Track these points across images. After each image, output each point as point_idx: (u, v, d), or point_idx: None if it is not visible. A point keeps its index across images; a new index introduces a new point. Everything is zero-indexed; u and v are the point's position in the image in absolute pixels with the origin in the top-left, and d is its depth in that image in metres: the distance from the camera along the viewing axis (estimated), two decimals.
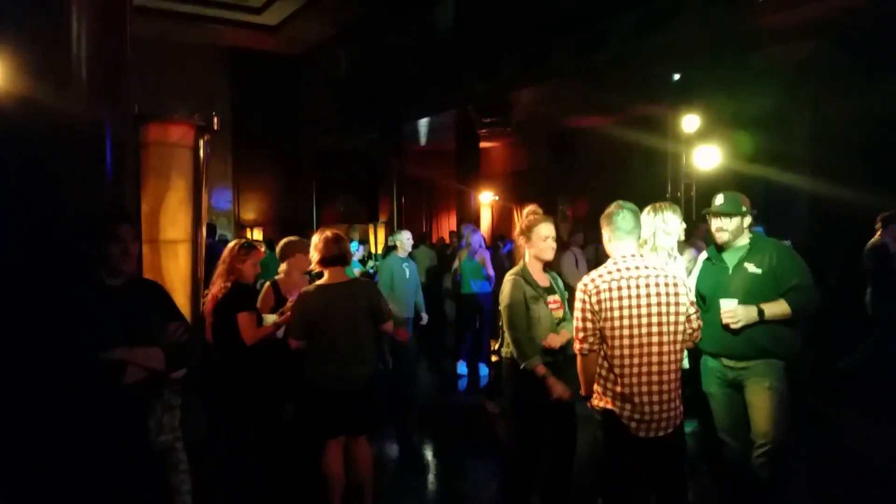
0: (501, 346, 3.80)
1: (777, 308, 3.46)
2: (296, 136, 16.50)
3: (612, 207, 3.08)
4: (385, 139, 14.68)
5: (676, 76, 8.46)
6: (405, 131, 14.81)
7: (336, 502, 3.85)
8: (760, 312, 3.44)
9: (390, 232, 13.80)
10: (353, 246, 10.00)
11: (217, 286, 4.07)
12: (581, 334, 2.98)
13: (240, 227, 15.84)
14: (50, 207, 3.15)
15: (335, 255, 3.86)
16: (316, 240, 3.92)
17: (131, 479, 2.58)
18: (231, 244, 4.22)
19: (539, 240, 3.66)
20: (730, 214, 3.60)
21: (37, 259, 3.07)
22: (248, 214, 16.30)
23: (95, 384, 2.38)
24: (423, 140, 16.22)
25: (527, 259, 3.74)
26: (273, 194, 16.57)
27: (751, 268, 3.54)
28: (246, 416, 4.16)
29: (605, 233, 3.07)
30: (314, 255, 3.91)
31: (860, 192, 7.33)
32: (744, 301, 3.50)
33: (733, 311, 3.45)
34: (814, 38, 8.14)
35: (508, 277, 3.70)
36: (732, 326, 3.46)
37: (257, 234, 15.19)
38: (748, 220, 3.64)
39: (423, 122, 14.45)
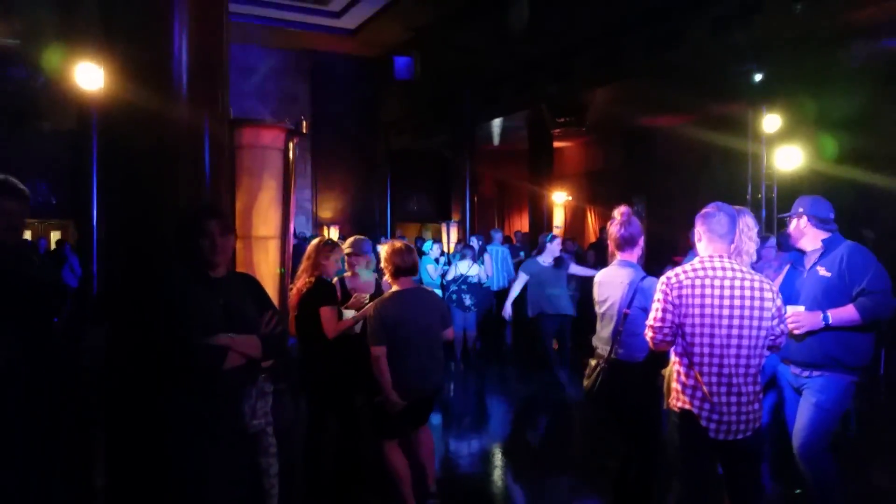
0: (614, 350, 3.70)
1: (844, 314, 3.33)
2: (371, 136, 16.85)
3: (710, 208, 3.07)
4: (458, 139, 14.82)
5: (758, 76, 8.23)
6: (478, 131, 14.91)
7: (407, 491, 4.01)
8: (825, 318, 3.35)
9: (463, 231, 13.94)
10: (427, 245, 10.16)
11: (302, 281, 4.28)
12: (658, 324, 2.98)
13: (317, 225, 16.29)
14: (155, 204, 3.40)
15: (409, 267, 3.96)
16: (385, 251, 4.00)
17: (227, 459, 2.77)
18: (315, 241, 4.42)
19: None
20: (789, 217, 3.63)
21: (142, 252, 3.33)
22: (326, 213, 16.75)
23: (199, 367, 2.57)
24: (495, 140, 16.28)
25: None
26: (349, 193, 16.98)
27: (821, 271, 3.46)
28: (325, 405, 4.35)
29: (699, 231, 3.08)
30: (386, 267, 4.00)
31: None
32: (812, 306, 3.41)
33: (796, 317, 3.38)
34: None
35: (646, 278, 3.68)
36: (795, 332, 3.39)
37: (334, 232, 15.58)
38: (804, 219, 3.57)
39: (496, 122, 14.51)
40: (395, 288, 4.00)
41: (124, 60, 3.43)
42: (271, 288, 3.93)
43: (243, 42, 14.52)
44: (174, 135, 3.43)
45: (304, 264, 4.34)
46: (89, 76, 6.77)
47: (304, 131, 4.21)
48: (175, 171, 3.44)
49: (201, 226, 2.69)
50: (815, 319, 3.37)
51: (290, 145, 4.07)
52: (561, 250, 8.15)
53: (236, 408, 2.78)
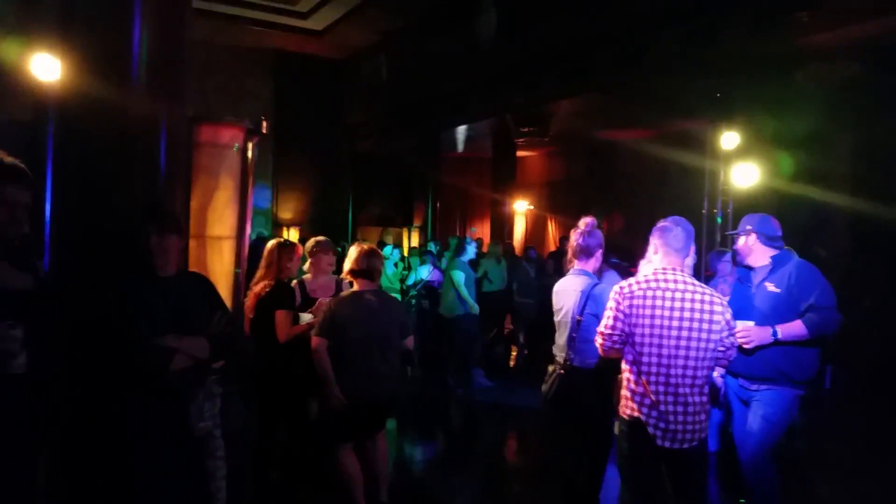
0: (569, 356, 3.78)
1: (793, 329, 3.43)
2: (335, 138, 16.72)
3: (668, 222, 3.12)
4: (422, 145, 14.82)
5: (719, 95, 8.43)
6: (443, 138, 14.93)
7: (359, 496, 3.98)
8: (774, 333, 3.44)
9: (424, 237, 13.95)
10: (387, 250, 10.13)
11: (262, 285, 4.20)
12: (608, 331, 3.04)
13: (277, 226, 16.11)
14: (107, 200, 3.31)
15: (363, 270, 3.95)
16: (353, 251, 4.02)
17: (172, 462, 2.71)
18: (273, 243, 4.34)
19: None
20: (737, 235, 3.73)
21: (93, 249, 3.24)
22: (286, 214, 16.57)
23: (145, 369, 2.51)
24: (460, 147, 16.32)
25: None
26: (310, 195, 16.81)
27: (770, 287, 3.55)
28: (276, 409, 4.29)
29: (654, 244, 3.13)
30: (347, 265, 4.01)
31: None
32: (762, 321, 3.49)
33: (746, 332, 3.45)
34: (859, 58, 8.06)
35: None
36: (745, 346, 3.46)
37: (293, 234, 15.44)
38: (752, 237, 3.66)
39: (461, 130, 14.55)
40: (355, 288, 3.98)
41: (82, 52, 3.34)
42: (224, 288, 3.88)
43: (207, 38, 14.31)
44: (130, 130, 3.34)
45: (263, 268, 4.25)
46: (46, 67, 6.58)
47: (265, 131, 4.17)
48: (129, 167, 3.36)
49: (140, 226, 2.66)
50: (764, 334, 3.45)
51: (250, 145, 4.03)
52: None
53: (183, 410, 2.72)
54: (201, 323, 2.67)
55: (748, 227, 3.67)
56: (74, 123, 3.40)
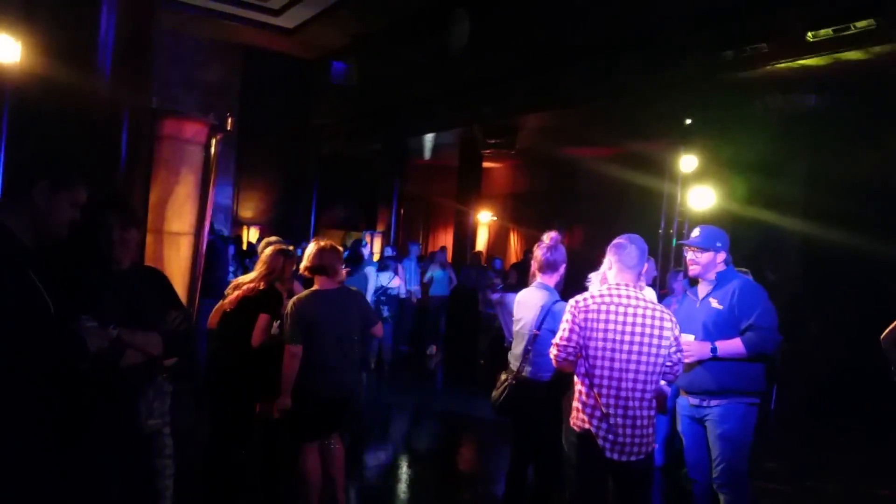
0: (523, 367, 3.84)
1: (731, 347, 3.48)
2: (301, 139, 16.60)
3: (623, 240, 3.18)
4: (389, 150, 14.81)
5: (688, 121, 8.61)
6: (410, 144, 14.94)
7: (315, 501, 3.95)
8: (713, 349, 3.48)
9: (387, 242, 13.91)
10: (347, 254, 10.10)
11: (252, 286, 4.10)
12: (563, 343, 3.08)
13: (237, 225, 15.90)
14: None
15: (318, 266, 3.93)
16: (310, 248, 4.01)
17: (118, 459, 2.66)
18: (272, 250, 4.22)
19: None
20: (702, 248, 3.65)
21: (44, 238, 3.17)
22: (247, 212, 16.37)
23: (94, 363, 2.46)
24: (427, 154, 16.34)
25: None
26: (273, 194, 16.65)
27: (713, 303, 3.60)
28: (232, 409, 4.22)
29: (609, 260, 3.19)
30: (304, 263, 4.00)
31: (852, 238, 7.48)
32: (703, 336, 3.54)
33: (687, 346, 3.45)
34: (814, 90, 8.33)
35: None
36: (685, 360, 3.42)
37: (254, 233, 15.27)
38: (722, 255, 3.66)
39: (429, 137, 14.58)
40: (315, 287, 3.97)
41: (45, 36, 3.27)
42: (180, 286, 3.82)
43: (175, 30, 14.11)
44: (91, 119, 3.29)
45: (263, 274, 4.16)
46: (5, 49, 6.43)
47: (229, 128, 4.13)
48: (88, 156, 3.29)
49: (99, 218, 2.60)
50: (703, 350, 3.50)
51: (213, 141, 3.99)
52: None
53: (132, 406, 2.68)
54: (155, 318, 2.63)
55: (718, 245, 3.67)
56: (31, 108, 3.32)
